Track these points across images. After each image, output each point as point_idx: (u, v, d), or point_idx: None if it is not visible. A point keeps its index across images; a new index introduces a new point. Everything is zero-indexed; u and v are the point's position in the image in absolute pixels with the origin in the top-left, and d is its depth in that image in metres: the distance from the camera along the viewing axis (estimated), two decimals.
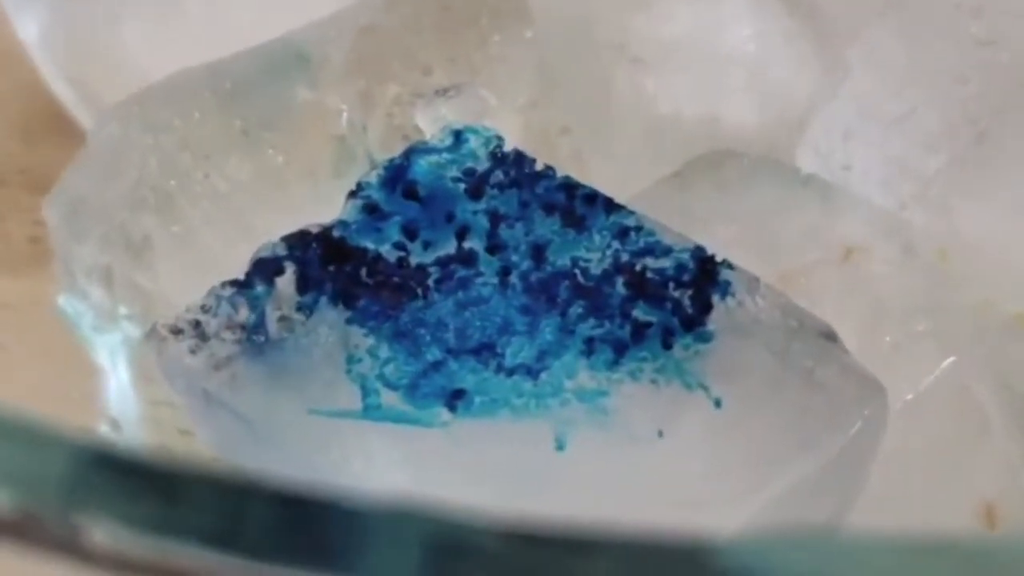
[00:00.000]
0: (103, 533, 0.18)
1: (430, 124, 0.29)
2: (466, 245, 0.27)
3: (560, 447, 0.24)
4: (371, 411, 0.25)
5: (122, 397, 0.31)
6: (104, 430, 0.31)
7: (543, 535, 0.17)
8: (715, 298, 0.26)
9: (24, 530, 0.18)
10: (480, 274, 0.26)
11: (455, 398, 0.25)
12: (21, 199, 0.34)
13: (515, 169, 0.28)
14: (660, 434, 0.24)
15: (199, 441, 0.27)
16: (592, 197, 0.27)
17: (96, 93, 0.34)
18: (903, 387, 0.27)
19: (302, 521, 0.18)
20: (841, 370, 0.25)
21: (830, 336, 0.26)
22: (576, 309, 0.26)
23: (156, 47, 0.34)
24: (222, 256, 0.29)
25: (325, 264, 0.26)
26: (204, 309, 0.26)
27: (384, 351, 0.25)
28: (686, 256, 0.26)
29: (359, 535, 0.17)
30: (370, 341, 0.25)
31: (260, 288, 0.26)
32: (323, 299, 0.26)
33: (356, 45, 0.31)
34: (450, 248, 0.27)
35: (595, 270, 0.26)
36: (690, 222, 0.28)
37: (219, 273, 0.27)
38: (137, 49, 0.34)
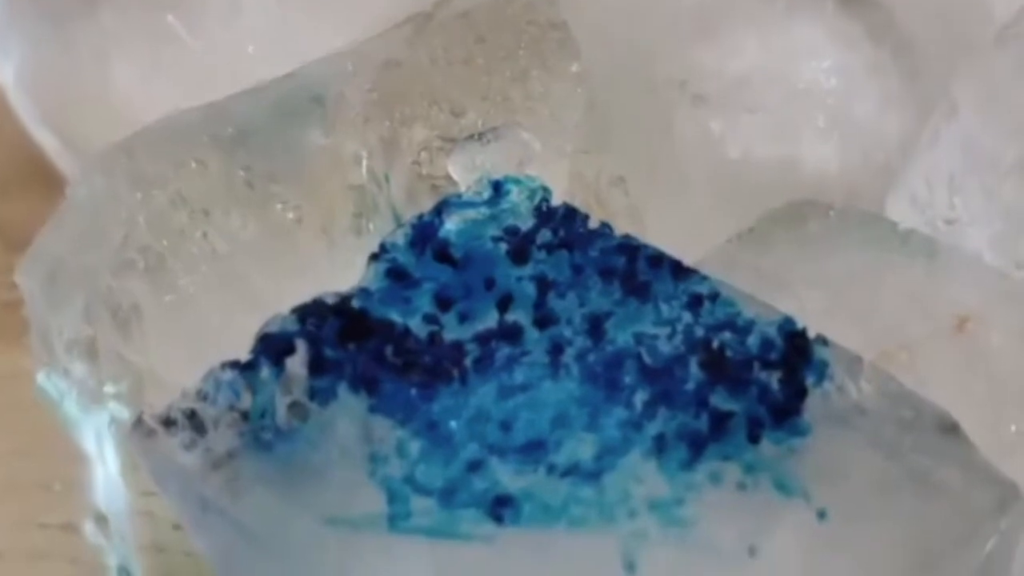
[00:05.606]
0: None
1: (464, 173, 0.28)
2: (509, 318, 0.25)
3: (630, 568, 0.23)
4: (399, 521, 0.23)
5: (110, 487, 0.30)
6: (89, 527, 0.31)
7: None
8: (809, 382, 0.24)
9: None
10: (526, 353, 0.25)
11: (500, 506, 0.23)
12: None
13: (565, 227, 0.26)
14: (751, 552, 0.23)
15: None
16: (657, 259, 0.26)
17: (81, 139, 0.34)
18: None
19: None
20: (967, 470, 0.24)
21: (951, 427, 0.24)
22: (642, 396, 0.24)
23: (149, 87, 0.34)
24: (222, 329, 0.28)
25: (344, 341, 0.25)
26: (200, 395, 0.25)
27: (414, 448, 0.24)
28: (772, 330, 0.25)
29: None
30: (397, 435, 0.24)
31: (267, 370, 0.25)
32: (342, 384, 0.25)
33: (377, 82, 0.31)
34: (491, 321, 0.25)
35: (664, 348, 0.25)
36: (770, 287, 0.27)
37: (218, 350, 0.25)
38: (128, 90, 0.34)
